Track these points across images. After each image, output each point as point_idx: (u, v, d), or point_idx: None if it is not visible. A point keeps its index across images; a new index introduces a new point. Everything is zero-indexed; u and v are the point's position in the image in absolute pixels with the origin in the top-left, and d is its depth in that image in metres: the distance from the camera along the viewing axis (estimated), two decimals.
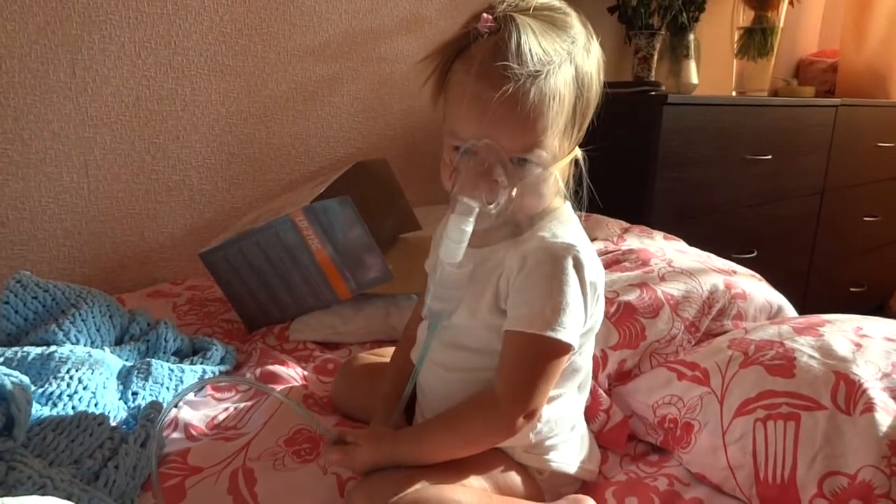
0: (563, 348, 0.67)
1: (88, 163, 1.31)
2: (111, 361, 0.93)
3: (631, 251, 1.14)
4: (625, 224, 1.32)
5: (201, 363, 1.02)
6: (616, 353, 0.94)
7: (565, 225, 0.71)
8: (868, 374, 0.80)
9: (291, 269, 1.15)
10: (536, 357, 0.67)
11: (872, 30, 2.57)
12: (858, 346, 0.87)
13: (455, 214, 0.64)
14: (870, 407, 0.76)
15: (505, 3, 0.64)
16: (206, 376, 1.00)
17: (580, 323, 0.68)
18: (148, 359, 0.97)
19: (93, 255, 1.35)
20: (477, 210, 0.64)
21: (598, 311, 0.74)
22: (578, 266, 0.67)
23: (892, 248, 2.58)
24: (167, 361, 0.99)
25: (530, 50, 0.61)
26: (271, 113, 1.51)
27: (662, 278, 1.04)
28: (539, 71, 0.61)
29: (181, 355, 1.05)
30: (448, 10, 1.73)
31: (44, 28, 1.21)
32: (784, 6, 2.20)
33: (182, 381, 0.95)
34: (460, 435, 0.70)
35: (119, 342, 1.02)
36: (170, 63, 1.36)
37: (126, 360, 0.98)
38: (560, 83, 0.63)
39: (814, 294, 2.18)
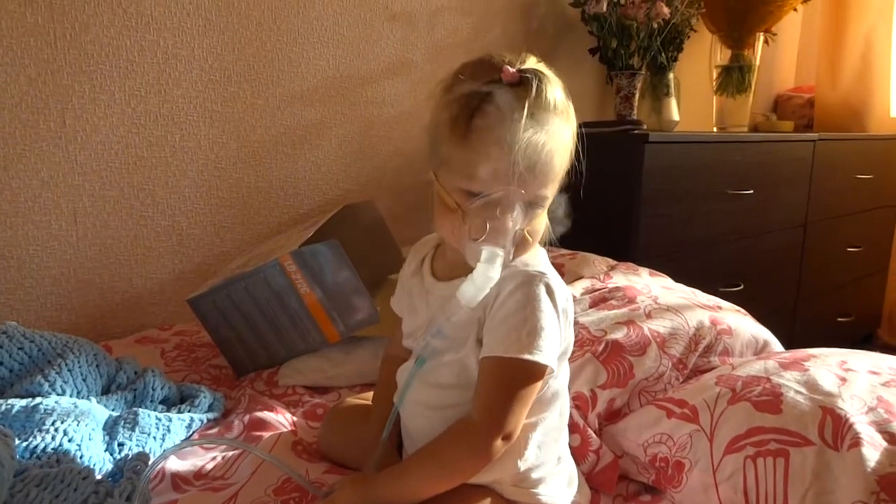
0: (540, 370, 0.69)
1: (77, 210, 1.31)
2: (97, 412, 0.92)
3: (617, 289, 1.15)
4: (611, 261, 1.33)
5: (189, 411, 1.01)
6: (605, 392, 0.94)
7: (533, 255, 0.73)
8: (854, 408, 0.81)
9: (280, 312, 1.16)
10: (513, 380, 0.68)
11: (846, 66, 2.65)
12: (843, 380, 0.88)
13: (482, 263, 0.66)
14: (857, 442, 0.76)
15: (508, 58, 0.68)
16: (194, 425, 0.99)
17: (556, 346, 0.69)
18: (135, 408, 0.96)
19: (80, 302, 1.35)
20: (502, 256, 0.66)
21: (569, 335, 0.76)
22: (550, 292, 0.69)
23: (877, 277, 2.61)
24: (154, 410, 0.98)
25: (555, 99, 0.67)
26: (260, 157, 1.53)
27: (649, 315, 1.05)
28: (562, 119, 0.67)
29: (169, 403, 1.04)
30: (433, 54, 1.77)
31: (35, 80, 1.23)
32: (759, 45, 2.27)
33: (169, 431, 0.94)
34: (439, 464, 0.70)
35: (106, 391, 1.01)
36: (159, 111, 1.38)
37: (112, 409, 0.97)
38: (573, 131, 0.70)
39: (802, 325, 2.19)
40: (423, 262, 0.82)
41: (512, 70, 0.67)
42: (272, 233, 1.56)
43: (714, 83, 2.31)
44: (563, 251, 1.39)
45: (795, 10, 2.27)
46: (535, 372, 0.68)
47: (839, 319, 2.42)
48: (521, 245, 0.69)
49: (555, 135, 0.67)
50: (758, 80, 2.32)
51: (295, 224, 1.57)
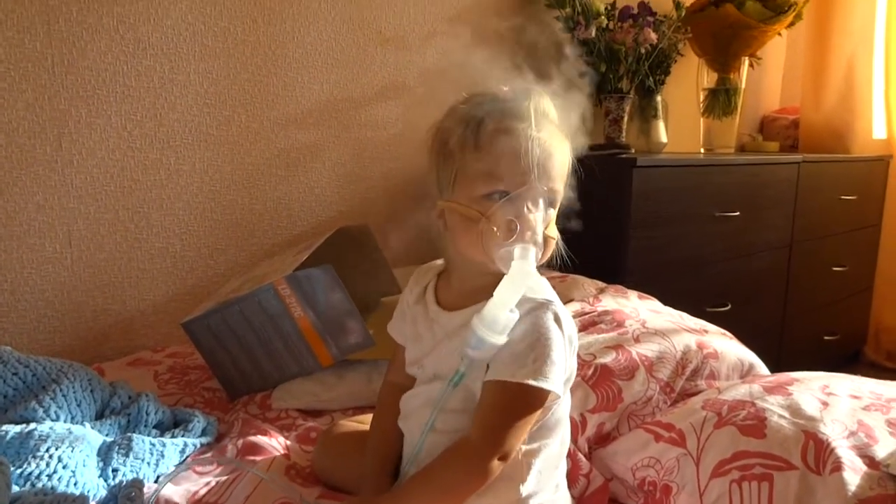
0: (543, 397, 0.70)
1: (72, 233, 1.32)
2: (92, 437, 0.92)
3: (606, 312, 1.17)
4: (600, 284, 1.36)
5: (182, 436, 1.01)
6: (595, 416, 0.96)
7: (539, 283, 0.74)
8: (835, 432, 0.83)
9: (274, 336, 1.17)
10: (516, 404, 0.69)
11: (829, 89, 2.70)
12: (825, 404, 0.90)
13: (517, 259, 0.67)
14: (838, 466, 0.78)
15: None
16: (188, 450, 1.00)
17: (562, 373, 0.71)
18: (129, 434, 0.96)
19: (74, 324, 1.35)
20: (534, 251, 0.68)
21: (573, 362, 0.77)
22: (557, 320, 0.71)
23: (862, 296, 2.65)
24: (148, 435, 0.99)
25: (552, 111, 0.74)
26: (254, 180, 1.55)
27: (637, 339, 1.07)
28: (559, 129, 0.73)
29: (162, 428, 1.04)
30: (426, 77, 1.80)
31: (32, 104, 1.24)
32: (745, 68, 2.32)
33: (163, 456, 0.95)
34: (437, 485, 0.71)
35: (100, 416, 1.02)
36: (155, 134, 1.39)
37: (106, 435, 0.97)
38: (568, 144, 0.75)
39: (789, 344, 2.22)
40: (426, 290, 0.83)
41: (507, 88, 0.73)
42: (266, 255, 1.57)
43: (701, 105, 2.36)
44: (554, 273, 1.42)
45: (780, 34, 2.33)
46: (539, 398, 0.70)
47: (826, 338, 2.45)
48: (545, 247, 0.71)
49: (556, 137, 0.72)
50: (744, 102, 2.37)
51: (288, 246, 1.58)
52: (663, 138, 2.18)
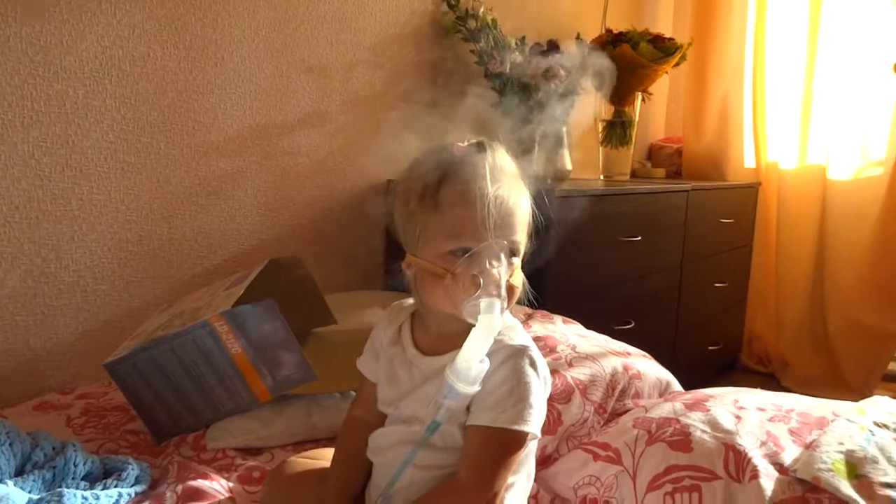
0: (524, 438, 0.74)
1: None
2: (15, 496, 0.85)
3: (538, 338, 1.24)
4: (527, 310, 1.43)
5: (116, 486, 0.96)
6: (537, 441, 1.01)
7: (514, 329, 0.79)
8: (750, 443, 0.94)
9: (207, 372, 1.13)
10: (501, 448, 0.73)
11: (707, 121, 3.00)
12: (738, 417, 1.01)
13: (483, 314, 0.70)
14: (755, 474, 0.89)
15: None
16: (122, 500, 0.94)
17: (542, 414, 0.75)
18: (59, 489, 0.90)
19: None
20: (499, 303, 0.70)
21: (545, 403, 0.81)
22: (534, 364, 0.75)
23: (738, 308, 2.94)
24: (78, 488, 0.93)
25: (509, 163, 0.77)
26: (173, 209, 1.49)
27: (570, 364, 1.15)
28: (517, 179, 0.76)
29: (92, 479, 0.98)
30: (348, 105, 1.81)
31: None
32: (638, 102, 2.53)
33: None
34: None
35: (20, 472, 0.94)
36: (67, 162, 1.31)
37: (30, 492, 0.90)
38: (527, 192, 0.79)
39: (681, 355, 2.42)
40: (402, 331, 0.84)
41: (463, 144, 0.76)
42: (185, 286, 1.51)
43: (600, 135, 2.53)
44: None
45: (666, 72, 2.56)
46: (521, 440, 0.73)
47: (710, 348, 2.70)
48: (509, 296, 0.74)
49: (515, 189, 0.75)
50: (636, 132, 2.58)
51: (210, 276, 1.53)
52: (568, 166, 2.32)
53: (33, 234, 1.29)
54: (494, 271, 0.71)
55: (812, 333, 2.83)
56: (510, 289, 0.74)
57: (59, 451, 0.98)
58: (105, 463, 1.02)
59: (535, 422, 0.73)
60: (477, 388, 0.71)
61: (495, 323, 0.70)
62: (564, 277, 1.72)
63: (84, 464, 0.98)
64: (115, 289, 1.42)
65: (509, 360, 0.74)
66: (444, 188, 0.73)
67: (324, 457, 0.95)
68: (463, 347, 0.70)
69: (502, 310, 0.72)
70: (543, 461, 1.03)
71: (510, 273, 0.74)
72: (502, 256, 0.72)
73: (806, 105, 2.76)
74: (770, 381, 2.84)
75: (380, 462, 0.83)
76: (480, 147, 0.76)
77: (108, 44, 1.34)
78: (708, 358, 2.70)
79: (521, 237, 0.77)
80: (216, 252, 1.58)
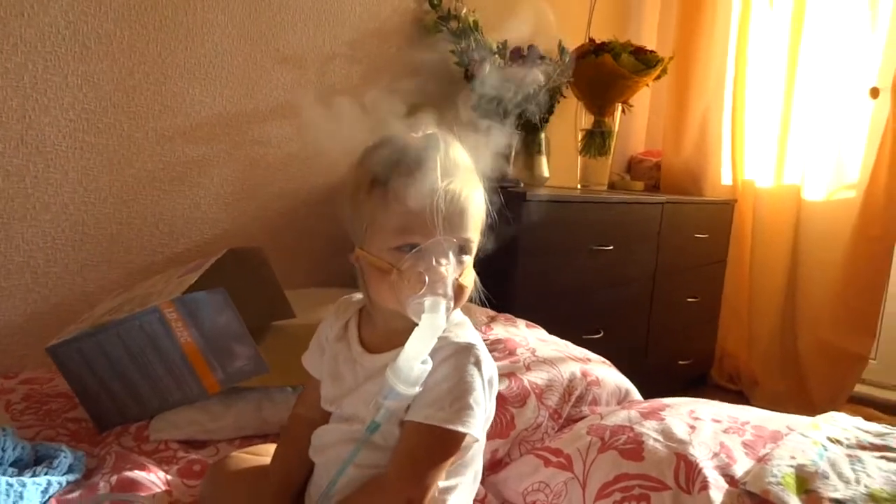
0: (461, 439, 0.71)
1: None
2: None
3: (499, 341, 1.22)
4: (491, 312, 1.41)
5: (45, 474, 0.92)
6: (489, 444, 0.99)
7: (462, 326, 0.77)
8: (702, 454, 0.92)
9: (155, 361, 1.09)
10: (433, 447, 0.70)
11: (687, 137, 3.01)
12: (693, 428, 1.00)
13: (427, 313, 0.67)
14: (705, 485, 0.87)
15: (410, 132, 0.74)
16: (52, 489, 0.90)
17: (481, 416, 0.72)
18: None
19: None
20: (444, 303, 0.68)
21: (491, 404, 0.79)
22: (478, 363, 0.72)
23: (710, 324, 2.95)
24: (4, 474, 0.89)
25: (462, 156, 0.73)
26: (134, 193, 1.45)
27: (528, 368, 1.13)
28: (471, 173, 0.73)
29: (22, 465, 0.94)
30: (322, 98, 1.78)
31: None
32: (618, 113, 2.53)
33: (22, 497, 0.85)
34: None
35: None
36: (22, 138, 1.27)
37: None
38: (482, 187, 0.76)
39: (651, 368, 2.42)
40: (348, 326, 0.82)
41: (416, 135, 0.73)
42: (142, 272, 1.47)
43: (579, 144, 2.53)
44: None
45: (647, 85, 2.56)
46: (456, 441, 0.71)
47: (680, 362, 2.70)
48: (458, 295, 0.71)
49: (468, 184, 0.72)
50: (615, 144, 2.58)
51: (169, 263, 1.49)
52: (545, 173, 2.31)
53: None
54: (442, 269, 0.69)
55: (782, 352, 2.84)
56: (459, 288, 0.72)
57: None
58: (37, 449, 0.98)
59: (473, 423, 0.70)
60: (418, 389, 0.69)
61: (439, 322, 0.68)
62: (533, 282, 1.70)
63: (13, 449, 0.93)
64: (67, 272, 1.37)
65: (452, 357, 0.72)
66: (393, 180, 0.70)
67: (266, 453, 0.92)
68: (405, 347, 0.68)
69: (448, 309, 0.70)
70: (494, 465, 1.00)
71: (460, 272, 0.71)
72: (451, 254, 0.70)
73: (784, 125, 2.79)
74: (739, 399, 2.84)
75: (321, 461, 0.81)
76: (433, 139, 0.73)
77: (73, 19, 1.30)
78: (677, 372, 2.69)
79: (474, 235, 0.74)
80: (177, 240, 1.54)
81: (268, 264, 1.32)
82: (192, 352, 1.09)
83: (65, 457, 0.96)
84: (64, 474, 0.94)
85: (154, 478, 0.96)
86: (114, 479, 0.94)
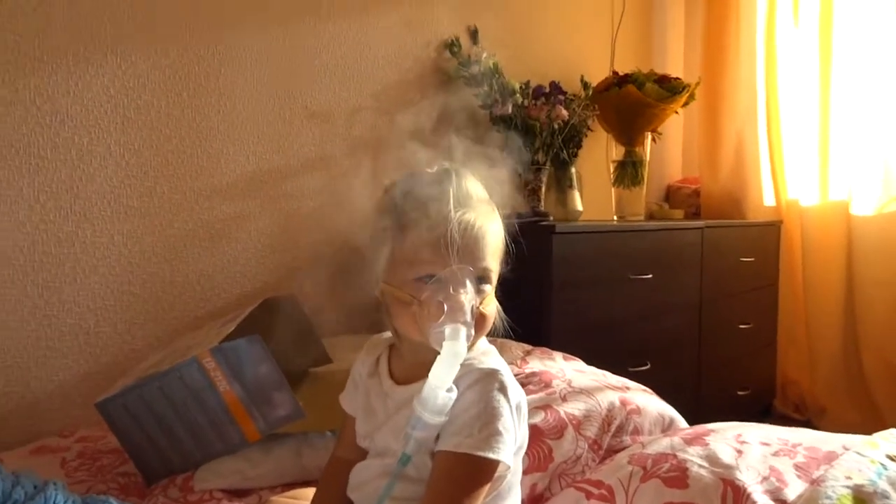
0: (492, 467, 0.70)
1: None
2: None
3: (534, 374, 1.20)
4: (527, 347, 1.39)
5: None
6: (527, 478, 0.97)
7: (487, 354, 0.77)
8: (750, 479, 0.88)
9: (197, 413, 1.12)
10: (465, 476, 0.70)
11: (723, 160, 2.96)
12: (740, 452, 0.95)
13: (448, 340, 0.68)
14: None
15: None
16: None
17: (511, 442, 0.72)
18: None
19: None
20: (465, 330, 0.69)
21: (523, 430, 0.78)
22: (503, 389, 0.72)
23: (767, 351, 2.83)
24: None
25: (476, 188, 0.76)
26: (176, 251, 1.51)
27: (564, 399, 1.11)
28: (487, 205, 0.75)
29: None
30: (352, 149, 1.85)
31: None
32: (648, 142, 2.51)
33: None
34: None
35: None
36: (71, 207, 1.35)
37: None
38: (499, 217, 0.77)
39: (706, 400, 2.32)
40: (379, 361, 0.83)
41: (431, 170, 0.76)
42: (187, 328, 1.52)
43: (611, 176, 2.52)
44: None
45: (677, 112, 2.55)
46: (487, 469, 0.70)
47: (739, 393, 2.58)
48: (479, 323, 0.72)
49: (483, 215, 0.74)
50: (650, 173, 2.55)
51: (212, 318, 1.54)
52: (579, 207, 2.31)
53: (36, 276, 1.32)
54: (460, 297, 0.70)
55: (847, 375, 2.69)
56: (481, 316, 0.73)
57: (39, 490, 0.97)
58: (87, 502, 1.00)
59: (503, 449, 0.70)
60: (444, 418, 0.69)
61: (460, 350, 0.69)
62: (569, 316, 1.68)
63: (65, 502, 0.96)
64: (116, 331, 1.43)
65: (477, 384, 0.72)
66: (410, 214, 0.73)
67: (306, 496, 0.93)
68: (429, 376, 0.69)
69: (468, 336, 0.70)
70: (534, 500, 0.98)
71: (480, 300, 0.73)
72: (468, 283, 0.71)
73: (823, 140, 2.71)
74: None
75: (358, 497, 0.81)
76: (446, 173, 0.75)
77: (114, 93, 1.40)
78: (737, 403, 2.58)
79: (492, 264, 0.75)
80: (218, 294, 1.59)
81: (301, 311, 1.35)
82: (233, 402, 1.11)
83: None
84: None
85: None
86: None
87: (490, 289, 0.75)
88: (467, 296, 0.70)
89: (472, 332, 0.71)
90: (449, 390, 0.69)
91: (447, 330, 0.69)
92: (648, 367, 1.94)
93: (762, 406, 2.85)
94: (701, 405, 2.30)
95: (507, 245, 0.79)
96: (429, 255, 0.71)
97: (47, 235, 1.33)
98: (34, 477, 1.01)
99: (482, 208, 0.75)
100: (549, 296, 1.60)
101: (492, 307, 0.76)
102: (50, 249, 1.33)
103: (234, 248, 1.62)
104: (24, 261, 1.30)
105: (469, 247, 0.71)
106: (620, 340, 1.90)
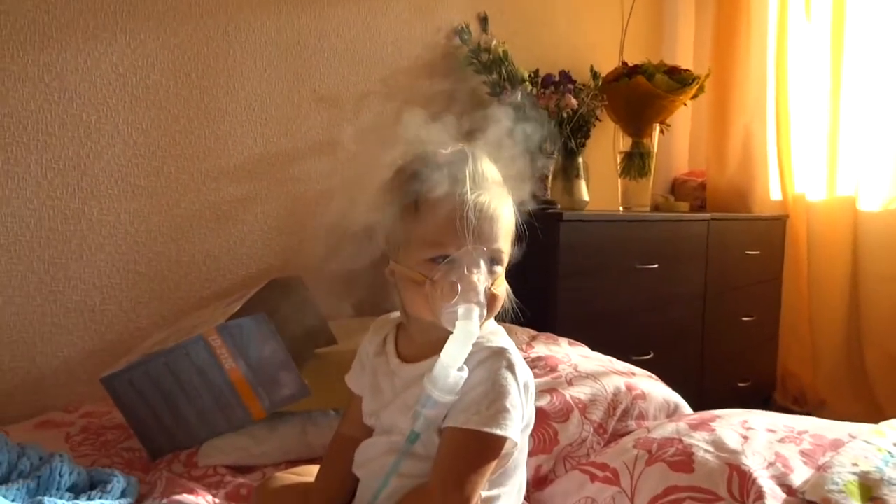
0: (500, 444, 0.71)
1: None
2: None
3: (540, 358, 1.20)
4: (532, 332, 1.39)
5: (100, 497, 0.95)
6: (532, 460, 0.97)
7: (496, 334, 0.77)
8: (756, 464, 0.88)
9: (202, 389, 1.12)
10: (472, 452, 0.70)
11: (730, 154, 2.95)
12: (746, 438, 0.95)
13: (461, 320, 0.69)
14: (760, 495, 0.83)
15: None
16: None
17: (518, 419, 0.72)
18: (40, 497, 0.89)
19: None
20: (478, 310, 0.69)
21: (530, 409, 0.78)
22: (511, 367, 0.72)
23: (769, 344, 2.82)
24: (61, 499, 0.92)
25: (491, 170, 0.75)
26: (182, 231, 1.51)
27: (570, 383, 1.11)
28: (500, 187, 0.75)
29: (77, 490, 0.97)
30: (359, 135, 1.84)
31: None
32: (656, 134, 2.50)
33: None
34: None
35: (5, 480, 0.94)
36: (78, 184, 1.35)
37: (13, 500, 0.89)
38: (511, 201, 0.77)
39: (709, 391, 2.32)
40: (386, 341, 0.83)
41: (446, 151, 0.75)
42: (191, 308, 1.52)
43: (618, 167, 2.51)
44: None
45: (685, 104, 2.54)
46: (495, 445, 0.70)
47: (740, 384, 2.58)
48: (491, 304, 0.73)
49: (497, 196, 0.74)
50: (656, 165, 2.54)
51: (216, 298, 1.54)
52: (585, 197, 2.30)
53: (42, 252, 1.32)
54: (473, 278, 0.70)
55: (850, 370, 2.69)
56: (492, 297, 0.73)
57: (45, 461, 0.98)
58: (91, 475, 1.01)
59: (511, 426, 0.70)
60: (454, 397, 0.69)
61: (473, 329, 0.69)
62: (574, 304, 1.68)
63: (70, 474, 0.97)
64: (121, 309, 1.43)
65: (486, 361, 0.72)
66: (425, 195, 0.72)
67: (310, 473, 0.93)
68: (441, 355, 0.69)
69: (481, 317, 0.71)
70: (539, 482, 0.98)
71: (492, 281, 0.73)
72: (482, 263, 0.71)
73: (832, 135, 2.70)
74: None
75: (364, 474, 0.82)
76: (462, 154, 0.75)
77: (123, 71, 1.39)
78: (738, 395, 2.57)
79: (504, 246, 0.75)
80: (224, 275, 1.59)
81: (307, 292, 1.35)
82: (239, 380, 1.11)
83: (118, 482, 0.98)
84: (117, 499, 0.96)
85: (203, 501, 0.97)
86: (164, 502, 0.96)
87: (501, 270, 0.76)
88: (480, 276, 0.71)
89: (485, 312, 0.71)
90: (460, 370, 0.69)
91: (460, 310, 0.69)
92: (652, 356, 1.93)
93: (762, 398, 2.85)
94: (703, 396, 2.30)
95: (518, 228, 0.79)
96: (443, 236, 0.71)
97: (54, 212, 1.33)
98: (39, 449, 1.01)
99: (496, 190, 0.75)
100: (555, 283, 1.59)
101: (502, 289, 0.76)
102: (57, 226, 1.33)
103: (241, 230, 1.62)
104: (30, 237, 1.30)
105: (483, 228, 0.71)
106: (624, 329, 1.89)
